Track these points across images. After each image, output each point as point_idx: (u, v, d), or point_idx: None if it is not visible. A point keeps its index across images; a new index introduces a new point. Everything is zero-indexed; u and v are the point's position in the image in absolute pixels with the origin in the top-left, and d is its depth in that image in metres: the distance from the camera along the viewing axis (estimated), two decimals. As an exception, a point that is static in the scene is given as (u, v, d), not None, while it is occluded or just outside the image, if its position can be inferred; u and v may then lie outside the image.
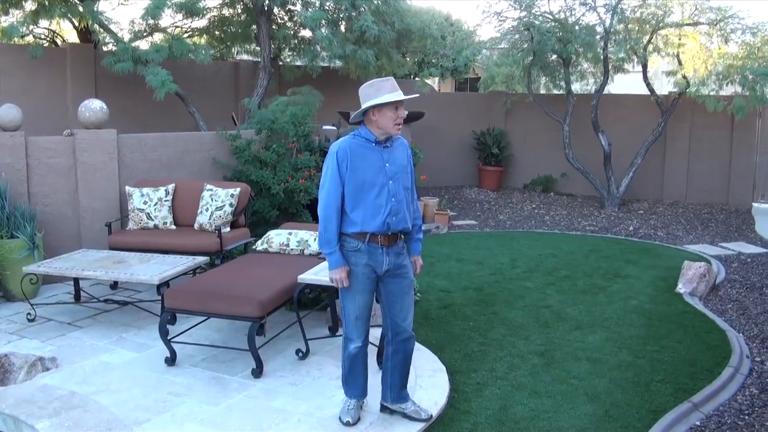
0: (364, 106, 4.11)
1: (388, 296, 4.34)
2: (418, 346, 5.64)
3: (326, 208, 4.19)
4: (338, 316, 6.00)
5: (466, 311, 6.76)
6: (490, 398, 4.85)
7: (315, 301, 6.42)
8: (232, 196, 7.57)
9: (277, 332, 5.73)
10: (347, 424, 4.34)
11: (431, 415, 4.47)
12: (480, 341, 5.94)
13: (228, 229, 7.41)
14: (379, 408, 4.55)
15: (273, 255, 6.38)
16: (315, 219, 9.73)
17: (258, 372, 5.07)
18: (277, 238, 6.48)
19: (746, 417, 4.72)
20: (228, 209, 7.50)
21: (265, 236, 6.62)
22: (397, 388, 4.48)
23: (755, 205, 11.43)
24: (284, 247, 6.40)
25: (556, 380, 5.15)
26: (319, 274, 5.39)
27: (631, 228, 11.55)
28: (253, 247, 6.69)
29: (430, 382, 5.02)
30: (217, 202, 7.51)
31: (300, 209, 9.43)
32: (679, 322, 6.53)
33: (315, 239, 6.34)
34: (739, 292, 7.75)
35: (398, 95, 4.08)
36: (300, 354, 5.41)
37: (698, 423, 4.62)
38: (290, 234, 6.49)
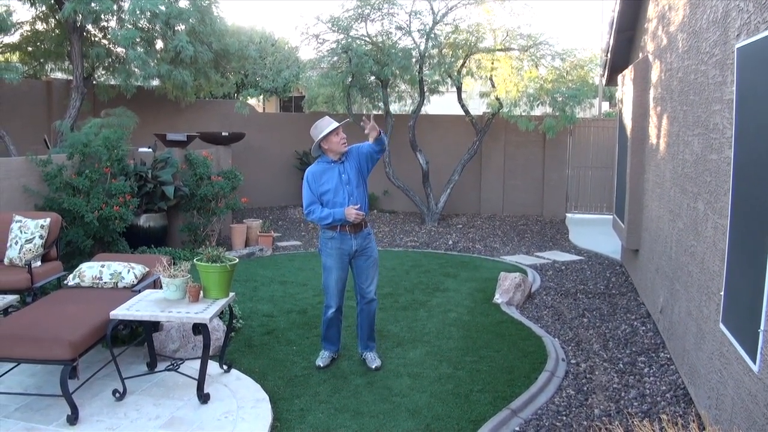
0: (315, 143, 5.54)
1: (357, 270, 5.76)
2: (239, 375, 5.55)
3: (307, 208, 5.63)
4: (156, 352, 5.69)
5: (290, 335, 6.60)
6: (313, 423, 4.71)
7: (132, 336, 6.04)
8: (42, 227, 6.94)
9: (94, 372, 5.29)
10: (318, 367, 5.71)
11: (378, 366, 5.73)
12: (303, 365, 5.79)
13: (39, 263, 6.81)
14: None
15: (85, 290, 5.91)
16: (132, 247, 9.33)
17: (73, 419, 4.63)
18: (89, 271, 6.05)
19: (564, 417, 4.88)
20: (38, 241, 6.87)
21: (76, 270, 6.14)
22: (364, 340, 5.88)
23: None
24: (97, 281, 5.97)
25: (379, 399, 5.10)
26: (132, 309, 5.03)
27: (450, 242, 11.87)
28: (65, 282, 6.19)
29: (252, 414, 4.82)
30: (27, 234, 6.86)
31: (116, 238, 8.94)
32: (497, 332, 6.71)
33: (129, 271, 6.03)
34: (554, 299, 8.12)
35: (331, 126, 5.48)
36: (117, 395, 5.03)
37: (517, 428, 4.71)
38: (103, 266, 6.07)
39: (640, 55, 8.53)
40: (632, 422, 3.97)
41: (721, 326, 4.22)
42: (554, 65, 13.23)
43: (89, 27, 11.88)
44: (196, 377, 5.07)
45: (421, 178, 13.82)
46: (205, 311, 4.95)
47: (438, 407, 4.97)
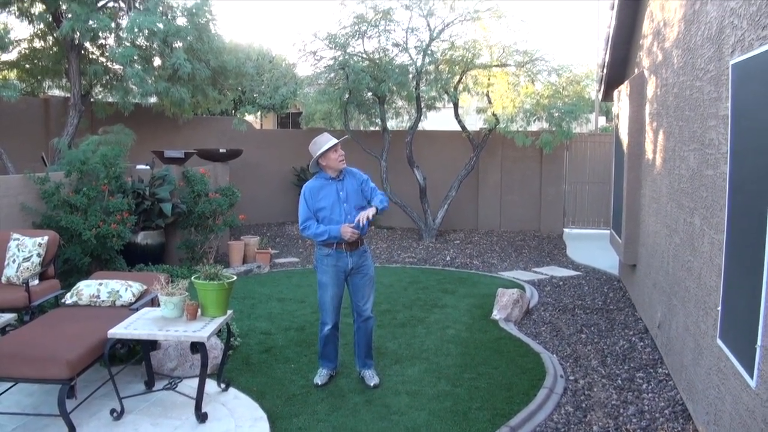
0: (313, 159, 5.62)
1: (354, 287, 5.78)
2: (237, 394, 5.52)
3: (302, 223, 5.63)
4: (153, 370, 5.67)
5: (288, 353, 6.58)
6: (311, 442, 4.71)
7: (130, 354, 6.02)
8: (39, 245, 6.93)
9: (92, 391, 5.29)
10: (316, 385, 5.71)
11: (377, 384, 5.71)
12: (302, 383, 5.77)
13: (36, 281, 6.80)
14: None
15: (83, 308, 5.91)
16: (130, 265, 9.32)
17: (71, 439, 4.64)
18: (87, 289, 6.04)
19: (561, 436, 4.88)
20: (36, 260, 6.86)
21: (74, 288, 6.13)
22: (362, 358, 5.89)
23: None
24: (95, 299, 5.97)
25: (377, 417, 5.08)
26: (130, 327, 5.03)
27: (448, 258, 11.87)
28: (63, 300, 6.18)
29: (250, 432, 4.81)
30: (24, 252, 6.85)
31: (114, 255, 8.93)
32: (495, 348, 6.70)
33: (126, 289, 6.02)
34: (552, 315, 8.11)
35: (330, 143, 5.55)
36: (115, 414, 5.01)
37: (515, 447, 4.71)
38: (101, 285, 6.08)
39: (636, 70, 8.57)
40: (631, 439, 3.96)
41: (719, 341, 4.22)
42: (550, 81, 13.26)
43: (87, 45, 11.91)
44: (194, 396, 5.05)
45: (419, 194, 13.84)
46: (203, 329, 4.94)
47: (436, 425, 4.95)
